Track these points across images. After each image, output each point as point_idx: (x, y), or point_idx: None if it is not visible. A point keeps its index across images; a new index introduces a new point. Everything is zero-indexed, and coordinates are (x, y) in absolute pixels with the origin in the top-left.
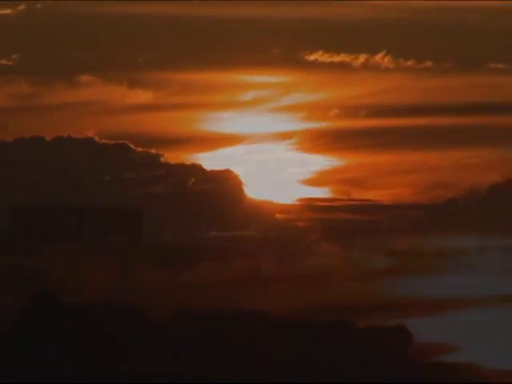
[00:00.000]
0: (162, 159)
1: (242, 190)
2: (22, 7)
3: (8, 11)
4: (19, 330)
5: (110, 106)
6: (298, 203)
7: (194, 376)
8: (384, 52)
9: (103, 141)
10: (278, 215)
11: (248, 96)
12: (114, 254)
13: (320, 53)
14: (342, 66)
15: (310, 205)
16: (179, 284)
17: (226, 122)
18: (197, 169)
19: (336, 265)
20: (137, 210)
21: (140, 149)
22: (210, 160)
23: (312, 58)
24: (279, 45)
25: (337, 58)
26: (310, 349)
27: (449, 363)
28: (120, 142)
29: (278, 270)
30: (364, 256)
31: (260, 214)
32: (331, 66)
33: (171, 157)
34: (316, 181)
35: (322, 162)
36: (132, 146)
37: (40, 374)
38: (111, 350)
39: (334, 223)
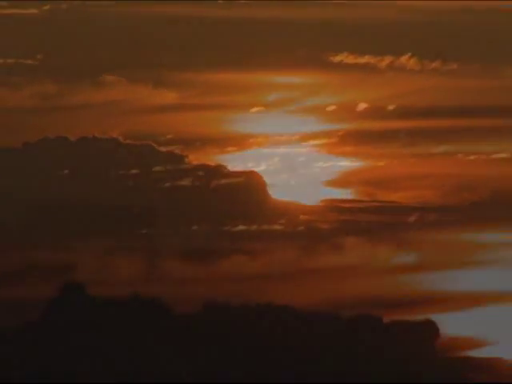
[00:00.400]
0: (187, 159)
1: (265, 191)
2: (46, 7)
3: (33, 11)
4: (47, 318)
5: (135, 106)
6: (321, 204)
7: (220, 368)
8: (409, 53)
9: (128, 141)
10: (301, 216)
11: (273, 97)
12: (141, 247)
13: (345, 54)
14: (367, 67)
15: (334, 206)
16: (206, 277)
17: (250, 122)
18: (221, 169)
19: (363, 259)
20: (152, 209)
21: (164, 149)
22: (234, 161)
23: (337, 59)
24: (304, 46)
25: (362, 60)
26: (337, 342)
27: (476, 358)
28: (144, 142)
29: (304, 263)
30: (390, 251)
31: (284, 215)
32: (356, 67)
33: (196, 157)
34: (341, 182)
35: (347, 163)
36: (156, 146)
37: (66, 362)
38: (137, 341)
39: (358, 224)
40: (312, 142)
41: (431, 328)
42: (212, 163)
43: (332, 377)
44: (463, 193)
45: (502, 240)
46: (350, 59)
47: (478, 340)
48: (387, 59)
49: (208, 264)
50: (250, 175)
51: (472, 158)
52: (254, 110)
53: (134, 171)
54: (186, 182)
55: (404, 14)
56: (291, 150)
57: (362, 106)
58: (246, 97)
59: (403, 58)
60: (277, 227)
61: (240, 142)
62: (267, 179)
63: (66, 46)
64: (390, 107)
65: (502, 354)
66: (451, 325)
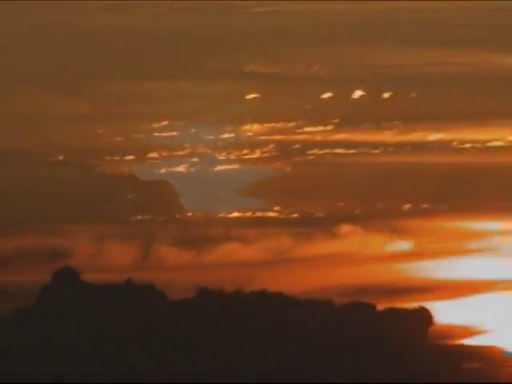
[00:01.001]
0: (98, 170)
1: (178, 201)
2: None
3: None
4: (40, 305)
5: (48, 116)
6: (235, 215)
7: (212, 354)
8: (320, 63)
9: (39, 153)
10: (212, 228)
11: (185, 107)
12: (136, 233)
13: (257, 64)
14: (279, 77)
15: (248, 217)
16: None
17: (163, 132)
18: (133, 180)
19: (358, 247)
20: None
21: (76, 160)
22: (146, 171)
23: (249, 69)
24: (216, 55)
25: (274, 69)
26: (331, 330)
27: (470, 346)
28: (56, 153)
29: (298, 250)
30: (385, 238)
31: (197, 227)
32: (268, 76)
33: (108, 168)
34: (254, 192)
35: (261, 172)
36: (68, 157)
37: (59, 348)
38: (131, 327)
39: (272, 235)
40: (225, 152)
41: (425, 316)
42: (124, 173)
43: (325, 364)
44: (458, 180)
45: (501, 228)
46: (262, 68)
47: (472, 328)
48: (299, 69)
49: (202, 250)
50: (162, 185)
51: (467, 146)
52: (167, 119)
53: (44, 184)
54: (96, 191)
55: (317, 23)
56: (204, 159)
57: (275, 115)
58: (159, 107)
59: (314, 68)
60: (271, 214)
61: (153, 151)
62: (179, 189)
63: None
64: (303, 116)
65: (497, 342)
66: (446, 313)
